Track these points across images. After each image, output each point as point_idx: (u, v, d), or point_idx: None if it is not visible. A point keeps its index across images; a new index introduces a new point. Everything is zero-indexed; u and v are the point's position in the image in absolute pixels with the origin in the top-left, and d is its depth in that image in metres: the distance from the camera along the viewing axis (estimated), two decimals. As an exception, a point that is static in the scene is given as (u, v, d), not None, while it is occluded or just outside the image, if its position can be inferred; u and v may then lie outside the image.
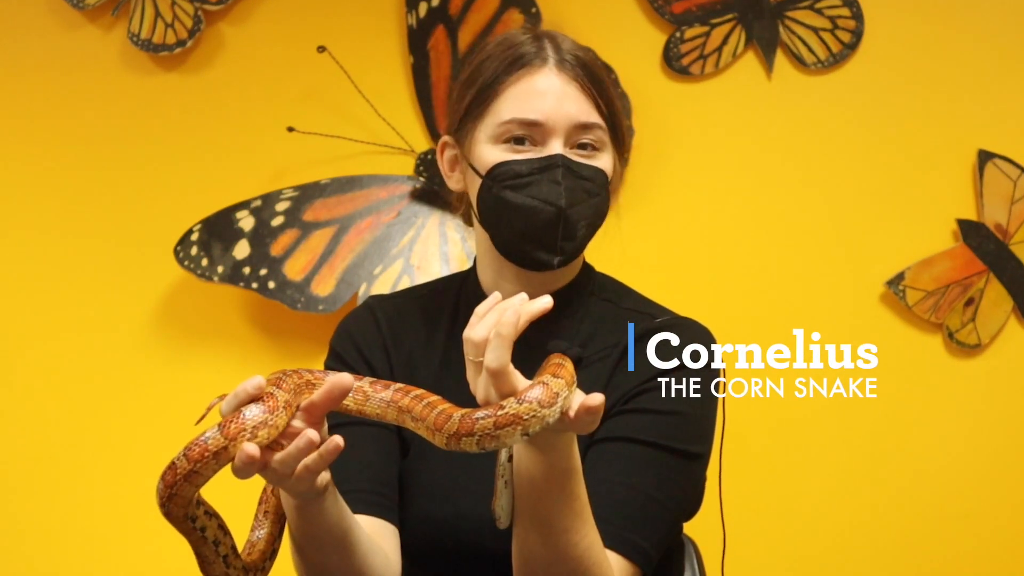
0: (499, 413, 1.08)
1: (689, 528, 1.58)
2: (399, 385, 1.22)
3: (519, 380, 1.12)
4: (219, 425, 1.09)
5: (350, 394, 1.20)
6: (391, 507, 1.43)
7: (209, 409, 1.19)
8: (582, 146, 1.42)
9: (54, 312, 2.51)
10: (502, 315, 1.12)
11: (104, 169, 2.52)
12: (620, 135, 1.47)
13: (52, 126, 2.53)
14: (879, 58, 2.54)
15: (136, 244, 2.51)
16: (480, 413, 1.09)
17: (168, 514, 1.12)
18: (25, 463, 2.50)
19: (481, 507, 1.28)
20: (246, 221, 2.41)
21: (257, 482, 1.32)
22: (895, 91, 2.54)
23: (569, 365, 1.13)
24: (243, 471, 1.10)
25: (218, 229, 2.40)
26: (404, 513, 1.45)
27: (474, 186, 1.45)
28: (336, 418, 1.46)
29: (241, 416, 1.09)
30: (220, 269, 2.39)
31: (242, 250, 2.40)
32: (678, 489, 1.40)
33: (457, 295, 1.54)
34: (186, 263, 2.38)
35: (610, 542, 1.32)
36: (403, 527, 1.45)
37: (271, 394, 1.10)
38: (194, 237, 2.39)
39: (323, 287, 2.41)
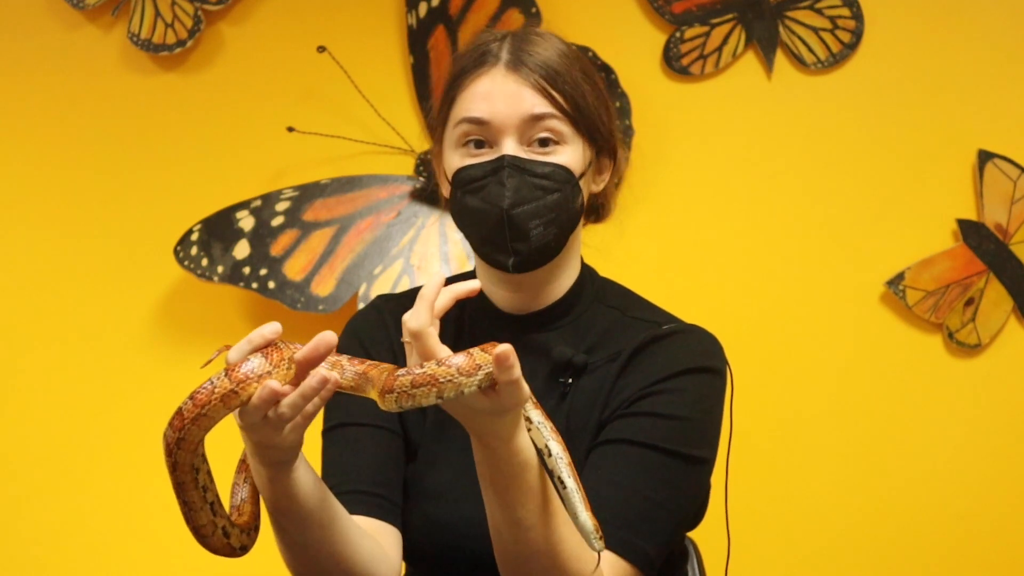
0: (416, 372, 1.11)
1: (695, 533, 1.58)
2: (373, 362, 1.24)
3: (442, 348, 1.14)
4: (263, 354, 1.12)
5: (328, 365, 1.21)
6: (392, 508, 1.43)
7: (216, 355, 1.21)
8: (543, 142, 1.41)
9: (54, 312, 2.51)
10: (426, 283, 1.16)
11: (104, 169, 2.52)
12: (592, 127, 1.44)
13: (52, 126, 2.53)
14: (879, 58, 2.54)
15: (136, 244, 2.51)
16: (401, 371, 1.12)
17: (184, 439, 1.12)
18: (25, 463, 2.50)
19: (485, 512, 1.28)
20: (246, 221, 2.41)
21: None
22: (895, 91, 2.54)
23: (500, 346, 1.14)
24: (260, 409, 1.11)
25: (218, 229, 2.40)
26: (409, 516, 1.45)
27: (448, 193, 1.47)
28: (337, 419, 1.46)
29: (279, 351, 1.12)
30: (220, 269, 2.39)
31: (242, 250, 2.40)
32: (679, 493, 1.39)
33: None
34: (186, 263, 2.38)
35: (606, 542, 1.32)
36: (407, 530, 1.45)
37: (277, 345, 1.14)
38: (194, 237, 2.39)
39: (323, 287, 2.41)
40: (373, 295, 2.38)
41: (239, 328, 2.49)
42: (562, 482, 1.20)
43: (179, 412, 1.12)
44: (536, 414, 1.21)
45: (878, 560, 2.52)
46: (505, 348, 1.11)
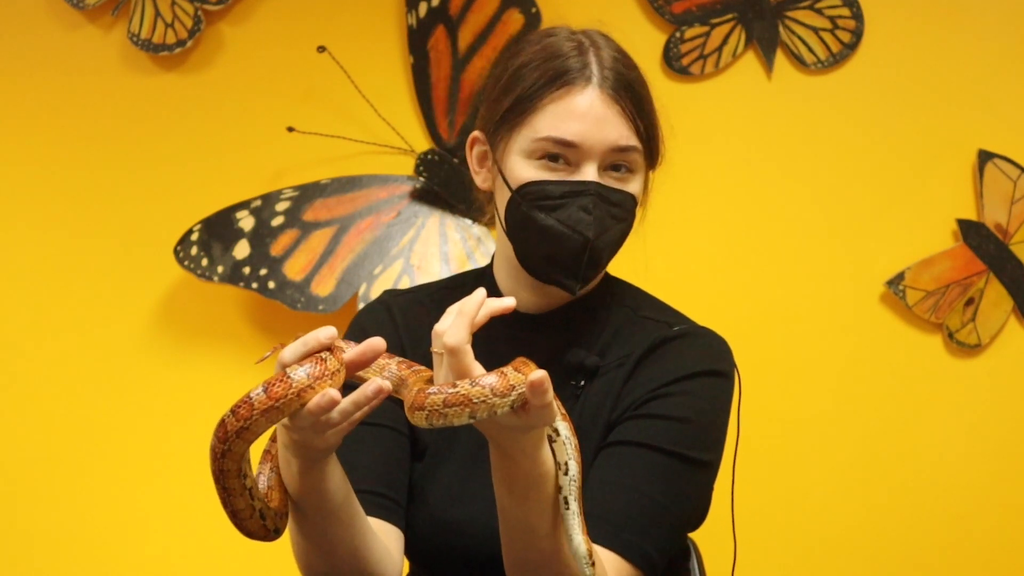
0: (449, 391, 1.10)
1: (697, 534, 1.57)
2: (419, 368, 1.24)
3: (476, 365, 1.12)
4: (312, 362, 1.11)
5: (377, 367, 1.22)
6: (395, 510, 1.43)
7: (271, 353, 1.20)
8: (616, 167, 1.41)
9: (54, 312, 2.51)
10: (467, 298, 1.14)
11: (104, 169, 2.52)
12: (655, 153, 1.46)
13: (52, 126, 2.53)
14: (879, 58, 2.54)
15: (136, 244, 2.51)
16: (433, 388, 1.11)
17: (248, 428, 1.12)
18: (25, 463, 2.50)
19: (492, 513, 1.27)
20: (246, 221, 2.41)
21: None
22: (895, 91, 2.54)
23: (532, 366, 1.13)
24: (315, 414, 1.11)
25: (218, 229, 2.40)
26: (416, 517, 1.45)
27: (503, 196, 1.44)
28: None
29: (329, 358, 1.12)
30: (220, 269, 2.39)
31: (242, 250, 2.40)
32: (684, 495, 1.39)
33: None
34: (186, 263, 2.38)
35: (609, 543, 1.32)
36: (415, 531, 1.45)
37: (331, 349, 1.13)
38: (194, 237, 2.39)
39: (323, 287, 2.41)
40: (373, 295, 2.38)
41: (239, 328, 2.49)
42: (567, 503, 1.20)
43: (247, 401, 1.10)
44: (564, 427, 1.21)
45: (878, 559, 2.52)
46: (540, 375, 1.10)
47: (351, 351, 1.15)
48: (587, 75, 1.41)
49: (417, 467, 1.46)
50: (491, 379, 1.10)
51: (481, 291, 1.16)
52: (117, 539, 2.49)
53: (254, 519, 1.21)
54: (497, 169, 1.45)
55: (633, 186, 1.43)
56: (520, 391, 1.10)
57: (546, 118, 1.39)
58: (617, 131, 1.39)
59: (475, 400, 1.09)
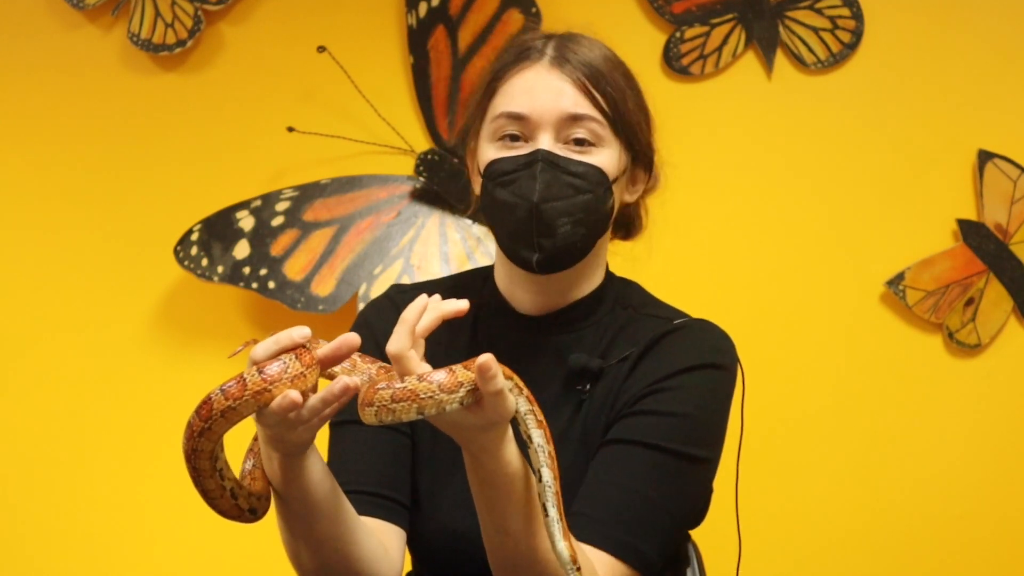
0: (397, 386, 1.11)
1: (698, 533, 1.57)
2: (385, 365, 1.24)
3: (422, 367, 1.13)
4: (295, 356, 1.12)
5: (349, 364, 1.22)
6: (397, 510, 1.43)
7: (242, 348, 1.21)
8: (579, 142, 1.40)
9: (54, 312, 2.51)
10: (409, 305, 1.15)
11: (104, 169, 2.52)
12: (631, 133, 1.44)
13: (52, 126, 2.53)
14: (879, 58, 2.54)
15: (136, 244, 2.51)
16: (382, 384, 1.12)
17: (235, 408, 1.12)
18: (25, 462, 2.50)
19: None
20: (246, 221, 2.41)
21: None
22: (895, 91, 2.54)
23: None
24: (278, 414, 1.11)
25: (218, 229, 2.40)
26: (427, 526, 1.45)
27: (479, 187, 1.46)
28: (348, 414, 1.45)
29: (310, 353, 1.13)
30: (220, 269, 2.39)
31: (242, 250, 2.40)
32: (680, 493, 1.38)
33: (479, 298, 1.50)
34: (186, 263, 2.38)
35: (602, 543, 1.31)
36: (426, 539, 1.45)
37: (305, 348, 1.14)
38: (194, 237, 2.39)
39: (323, 287, 2.41)
40: (373, 295, 2.38)
41: (239, 328, 2.49)
42: (545, 510, 1.19)
43: (240, 381, 1.11)
44: (538, 435, 1.20)
45: (878, 559, 2.52)
46: (487, 358, 1.10)
47: (325, 347, 1.15)
48: (536, 55, 1.43)
49: (426, 476, 1.46)
50: (439, 375, 1.11)
51: (422, 297, 1.16)
52: (117, 539, 2.49)
53: (225, 499, 1.22)
54: (475, 165, 1.46)
55: (598, 159, 1.41)
56: (469, 388, 1.11)
57: (500, 97, 1.42)
58: (568, 100, 1.40)
59: (422, 395, 1.10)
